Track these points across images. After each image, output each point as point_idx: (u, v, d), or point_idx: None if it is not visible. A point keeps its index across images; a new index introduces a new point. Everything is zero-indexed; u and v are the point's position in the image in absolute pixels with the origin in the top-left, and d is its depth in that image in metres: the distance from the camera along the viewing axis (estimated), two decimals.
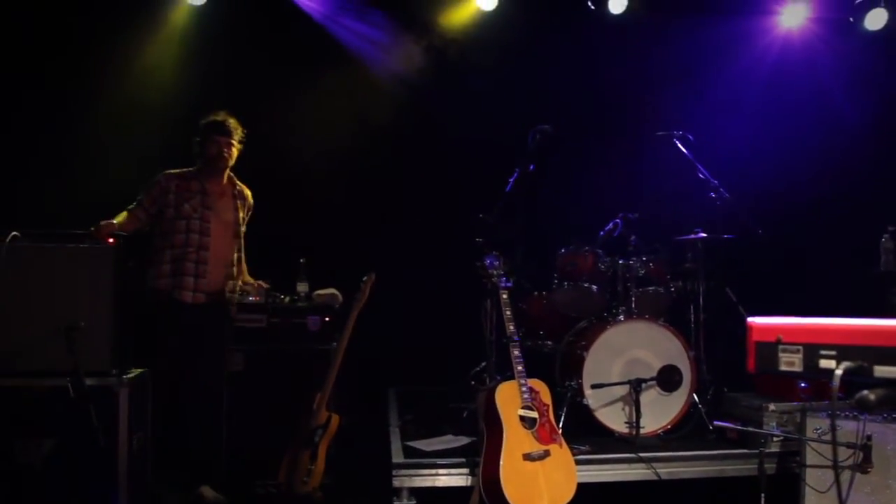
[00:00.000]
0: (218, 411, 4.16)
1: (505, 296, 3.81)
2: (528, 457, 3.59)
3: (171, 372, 4.04)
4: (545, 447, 3.66)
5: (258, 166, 5.41)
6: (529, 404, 3.70)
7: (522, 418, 3.67)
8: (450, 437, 4.39)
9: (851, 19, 5.96)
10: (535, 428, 3.68)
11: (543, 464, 3.62)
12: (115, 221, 3.92)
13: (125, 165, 5.23)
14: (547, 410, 3.77)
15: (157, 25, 5.52)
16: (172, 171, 4.24)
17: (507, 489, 3.46)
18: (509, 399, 3.68)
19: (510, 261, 4.20)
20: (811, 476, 3.71)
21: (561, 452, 3.71)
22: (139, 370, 3.89)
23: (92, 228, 3.76)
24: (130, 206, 4.11)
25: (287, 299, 4.50)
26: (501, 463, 3.51)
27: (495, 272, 3.92)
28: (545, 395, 3.82)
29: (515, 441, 3.60)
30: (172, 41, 5.54)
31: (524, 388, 3.72)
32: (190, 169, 4.28)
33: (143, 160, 5.25)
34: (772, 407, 4.16)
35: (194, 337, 4.07)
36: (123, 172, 5.20)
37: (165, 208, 4.12)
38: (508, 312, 3.84)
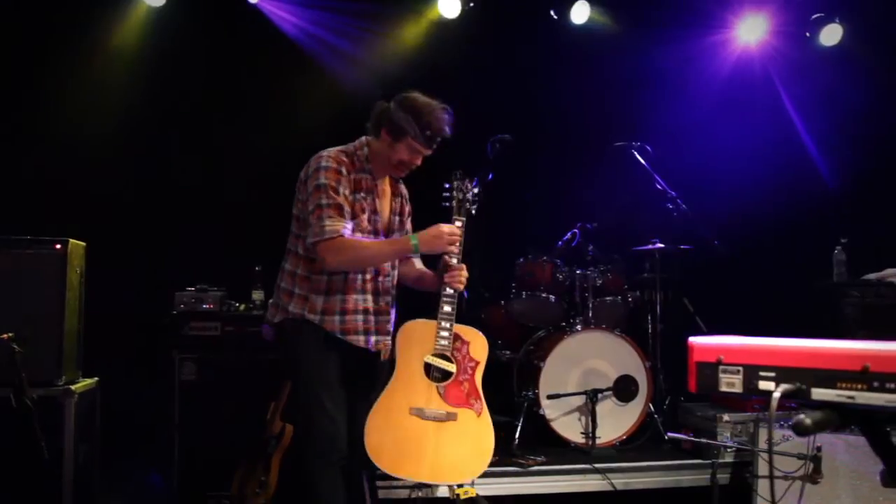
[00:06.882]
0: None
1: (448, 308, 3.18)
2: (418, 412, 3.01)
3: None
4: (451, 409, 3.04)
5: (214, 171, 5.38)
6: (446, 353, 3.06)
7: (429, 366, 3.06)
8: None
9: (808, 34, 6.04)
10: (446, 382, 3.06)
11: (440, 427, 3.02)
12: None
13: (76, 169, 5.11)
14: (474, 369, 3.11)
15: (111, 25, 5.39)
16: (337, 151, 3.06)
17: (370, 439, 2.93)
18: (417, 339, 3.06)
19: (468, 270, 4.17)
20: (763, 486, 3.76)
21: (474, 422, 3.07)
22: (88, 381, 3.80)
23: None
24: (335, 227, 2.90)
25: (242, 307, 4.43)
26: (374, 408, 2.98)
27: None
28: (477, 350, 3.15)
29: (404, 388, 3.01)
30: (129, 42, 5.43)
31: (444, 333, 3.05)
32: (353, 147, 3.11)
33: (96, 165, 5.16)
34: (725, 417, 4.21)
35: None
36: (73, 175, 5.11)
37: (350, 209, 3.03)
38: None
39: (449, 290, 3.06)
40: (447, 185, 3.19)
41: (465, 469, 3.07)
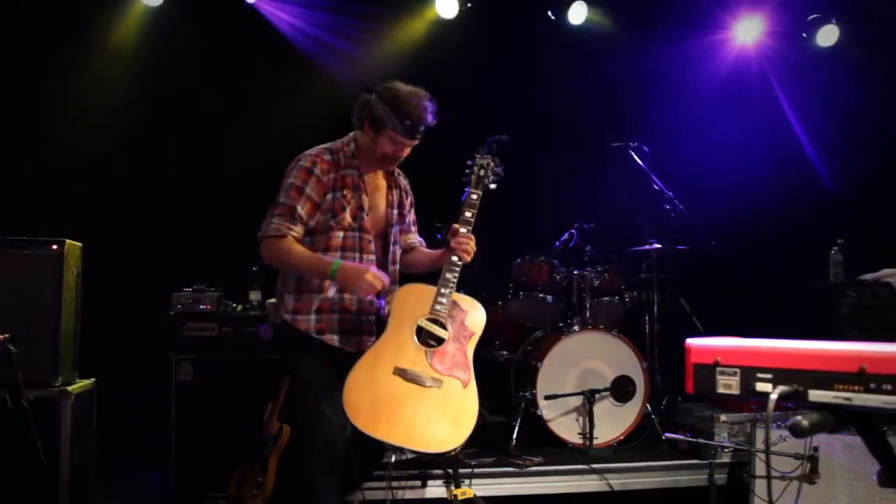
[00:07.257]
0: None
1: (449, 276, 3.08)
2: (401, 373, 2.83)
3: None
4: (437, 375, 2.87)
5: (211, 171, 5.37)
6: (441, 319, 2.92)
7: (421, 330, 2.91)
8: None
9: (804, 35, 6.05)
10: (436, 348, 2.90)
11: (423, 392, 2.84)
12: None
13: (73, 169, 5.10)
14: (467, 339, 2.97)
15: (110, 25, 5.38)
16: (319, 150, 3.02)
17: (349, 395, 2.78)
18: (413, 302, 2.94)
19: (466, 270, 4.17)
20: (760, 487, 3.76)
21: (459, 392, 2.89)
22: (85, 381, 3.79)
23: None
24: (278, 227, 2.90)
25: (238, 308, 4.43)
26: (358, 364, 2.84)
27: None
28: (474, 321, 3.01)
29: (391, 348, 2.86)
30: (128, 41, 5.41)
31: (442, 300, 2.91)
32: (340, 144, 3.06)
33: (93, 165, 5.15)
34: (723, 418, 4.21)
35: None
36: (71, 175, 5.09)
37: (315, 212, 2.97)
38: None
39: (454, 258, 2.95)
40: (469, 162, 3.15)
41: (439, 439, 2.86)
